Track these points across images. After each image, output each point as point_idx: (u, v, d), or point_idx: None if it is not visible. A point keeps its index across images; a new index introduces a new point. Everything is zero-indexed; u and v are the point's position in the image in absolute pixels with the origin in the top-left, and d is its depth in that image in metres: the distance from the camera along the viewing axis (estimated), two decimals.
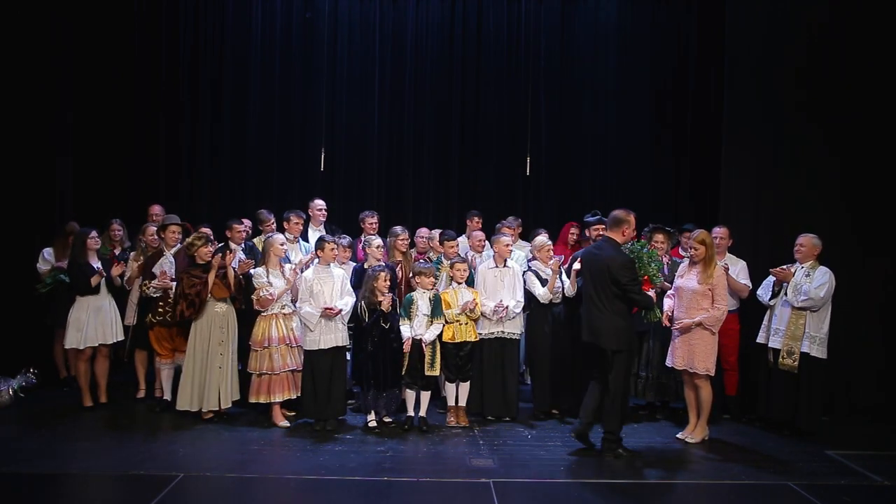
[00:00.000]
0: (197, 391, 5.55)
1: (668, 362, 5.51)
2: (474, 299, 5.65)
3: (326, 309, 5.37)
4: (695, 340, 5.30)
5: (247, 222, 6.46)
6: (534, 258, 6.03)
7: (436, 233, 6.45)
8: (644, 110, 7.99)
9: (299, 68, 8.00)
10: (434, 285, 5.67)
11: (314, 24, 7.96)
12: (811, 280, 5.50)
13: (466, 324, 5.64)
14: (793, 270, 5.64)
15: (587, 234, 5.98)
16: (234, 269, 5.67)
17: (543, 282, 5.82)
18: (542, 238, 6.02)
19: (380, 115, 8.05)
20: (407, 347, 5.48)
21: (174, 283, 5.77)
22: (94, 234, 5.92)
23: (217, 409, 5.60)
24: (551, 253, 5.96)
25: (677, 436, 5.49)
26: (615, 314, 4.97)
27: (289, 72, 8.01)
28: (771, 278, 5.76)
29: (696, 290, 5.29)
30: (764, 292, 5.82)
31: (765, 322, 5.79)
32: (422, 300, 5.59)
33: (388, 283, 5.51)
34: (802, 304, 5.47)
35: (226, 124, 8.00)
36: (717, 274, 5.31)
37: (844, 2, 6.46)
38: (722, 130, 6.95)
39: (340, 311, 5.43)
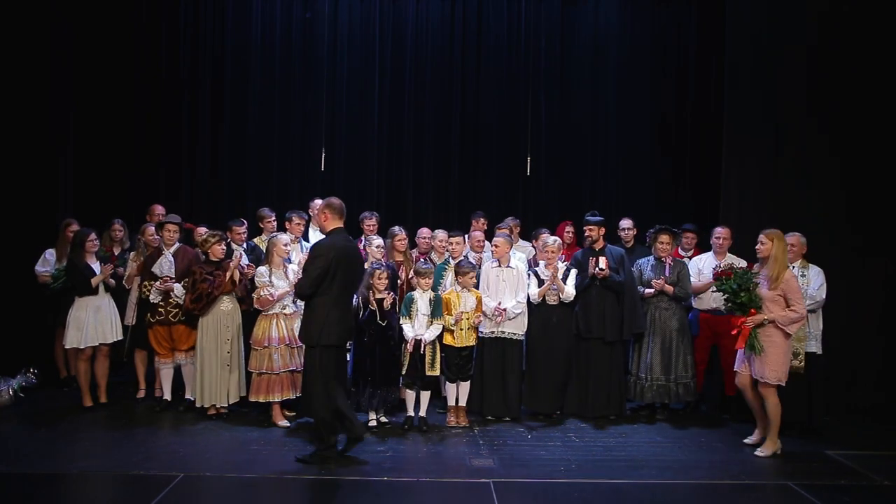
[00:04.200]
0: (216, 387, 5.59)
1: (737, 367, 5.23)
2: (480, 315, 5.64)
3: None
4: (767, 347, 5.01)
5: (245, 223, 6.46)
6: (534, 259, 6.03)
7: (438, 233, 6.43)
8: (644, 110, 7.99)
9: (299, 68, 8.00)
10: (430, 286, 5.67)
11: (314, 24, 7.95)
12: (808, 281, 5.46)
13: (468, 328, 5.64)
14: None
15: (587, 233, 5.99)
16: (240, 270, 5.68)
17: (541, 283, 5.82)
18: (557, 239, 5.99)
19: (380, 115, 8.05)
20: (412, 346, 5.47)
21: (176, 285, 5.77)
22: (93, 235, 5.92)
23: (225, 406, 5.68)
24: (561, 253, 5.95)
25: (745, 440, 5.34)
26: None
27: (289, 72, 8.00)
28: None
29: (766, 297, 5.04)
30: None
31: None
32: (421, 300, 5.60)
33: (386, 280, 5.51)
34: (809, 307, 5.31)
35: (226, 124, 7.99)
36: (787, 277, 5.01)
37: (845, 1, 6.46)
38: (722, 130, 6.96)
39: None
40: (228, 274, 5.58)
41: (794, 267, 5.53)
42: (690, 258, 6.30)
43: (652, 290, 5.88)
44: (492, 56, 8.04)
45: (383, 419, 5.66)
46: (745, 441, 5.36)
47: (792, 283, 5.04)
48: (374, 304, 5.43)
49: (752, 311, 5.02)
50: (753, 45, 6.64)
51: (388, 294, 5.50)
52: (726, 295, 5.16)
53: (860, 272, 6.37)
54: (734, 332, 5.16)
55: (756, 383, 5.13)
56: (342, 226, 4.81)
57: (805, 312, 5.09)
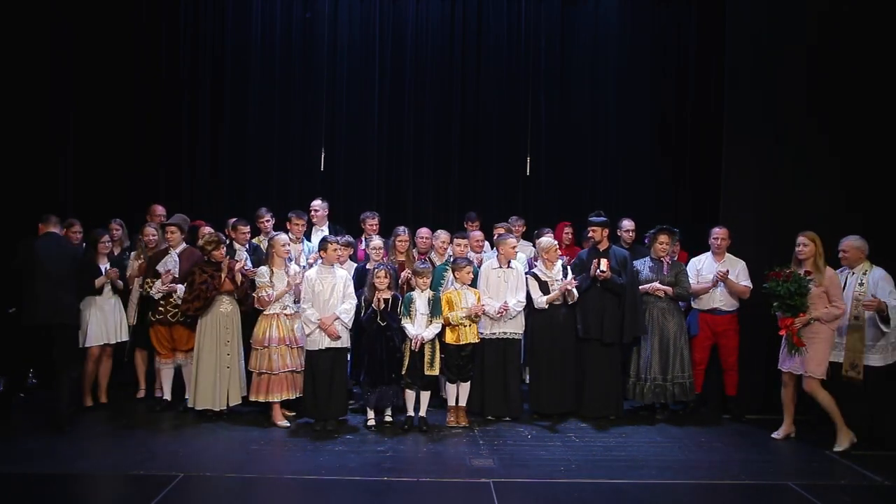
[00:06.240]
0: (212, 389, 5.58)
1: (782, 365, 5.41)
2: (481, 306, 5.63)
3: (322, 321, 5.39)
4: (812, 343, 5.20)
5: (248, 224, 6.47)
6: (535, 258, 6.02)
7: (440, 233, 6.42)
8: (644, 110, 8.00)
9: (299, 68, 8.00)
10: (428, 286, 5.67)
11: (314, 24, 7.96)
12: (869, 287, 5.28)
13: (469, 325, 5.63)
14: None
15: (589, 234, 5.99)
16: (242, 273, 5.68)
17: (543, 284, 5.81)
18: (549, 239, 6.01)
19: (380, 115, 8.05)
20: (416, 345, 5.47)
21: (178, 285, 5.77)
22: (106, 237, 5.98)
23: (225, 407, 5.66)
24: (559, 254, 5.96)
25: (773, 435, 5.52)
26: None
27: (289, 72, 8.01)
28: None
29: (811, 294, 5.22)
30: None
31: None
32: (420, 300, 5.60)
33: (386, 279, 5.51)
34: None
35: (226, 124, 7.99)
36: (829, 275, 5.26)
37: (845, 1, 6.46)
38: (722, 130, 6.95)
39: (338, 318, 5.44)
40: (224, 273, 5.57)
41: (853, 273, 5.41)
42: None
43: (648, 287, 5.89)
44: (492, 56, 8.04)
45: (388, 418, 5.66)
46: (773, 436, 5.51)
47: (833, 280, 5.26)
48: (379, 304, 5.45)
49: (801, 313, 5.20)
50: (753, 45, 6.63)
51: (383, 291, 5.51)
52: (779, 295, 5.25)
53: None
54: (782, 332, 5.32)
55: (799, 380, 5.31)
56: (55, 231, 5.68)
57: (845, 308, 5.24)
